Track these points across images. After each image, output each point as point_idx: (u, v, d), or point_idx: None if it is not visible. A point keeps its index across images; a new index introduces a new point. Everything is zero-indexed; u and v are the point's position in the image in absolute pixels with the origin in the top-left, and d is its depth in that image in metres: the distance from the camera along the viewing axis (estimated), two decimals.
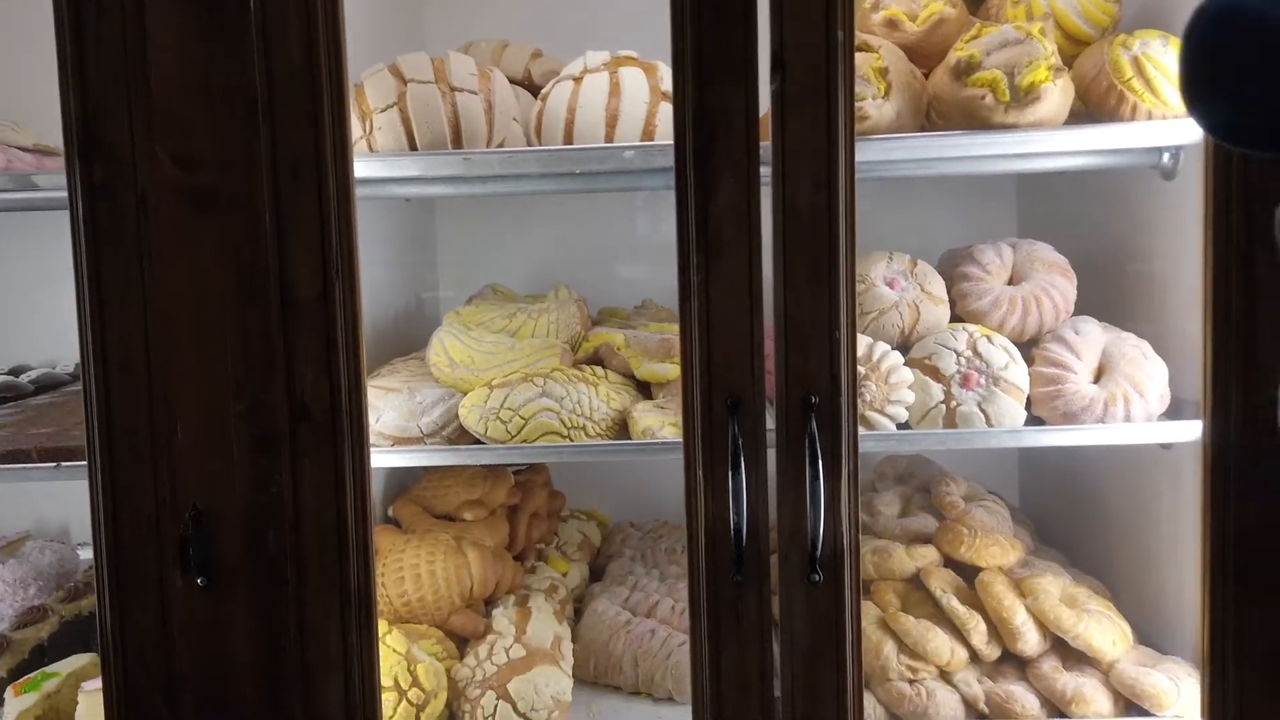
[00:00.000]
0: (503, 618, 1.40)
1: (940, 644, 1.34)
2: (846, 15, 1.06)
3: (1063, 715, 1.29)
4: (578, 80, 1.37)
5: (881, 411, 1.29)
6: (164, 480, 1.11)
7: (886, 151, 1.25)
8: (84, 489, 1.85)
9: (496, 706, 1.29)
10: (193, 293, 1.10)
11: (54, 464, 1.26)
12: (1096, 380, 1.31)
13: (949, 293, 1.42)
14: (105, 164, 1.08)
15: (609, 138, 1.33)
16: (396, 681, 1.27)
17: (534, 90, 1.53)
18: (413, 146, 1.27)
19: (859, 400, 1.16)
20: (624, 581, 1.60)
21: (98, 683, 1.31)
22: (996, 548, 1.44)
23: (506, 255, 2.00)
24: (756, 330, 1.09)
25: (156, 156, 1.09)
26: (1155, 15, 1.43)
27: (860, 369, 1.28)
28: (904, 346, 1.37)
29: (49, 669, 1.40)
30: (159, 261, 1.09)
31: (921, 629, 1.35)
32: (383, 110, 1.27)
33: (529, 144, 1.41)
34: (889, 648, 1.35)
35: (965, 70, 1.23)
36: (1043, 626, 1.34)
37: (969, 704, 1.32)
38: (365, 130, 1.28)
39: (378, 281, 1.71)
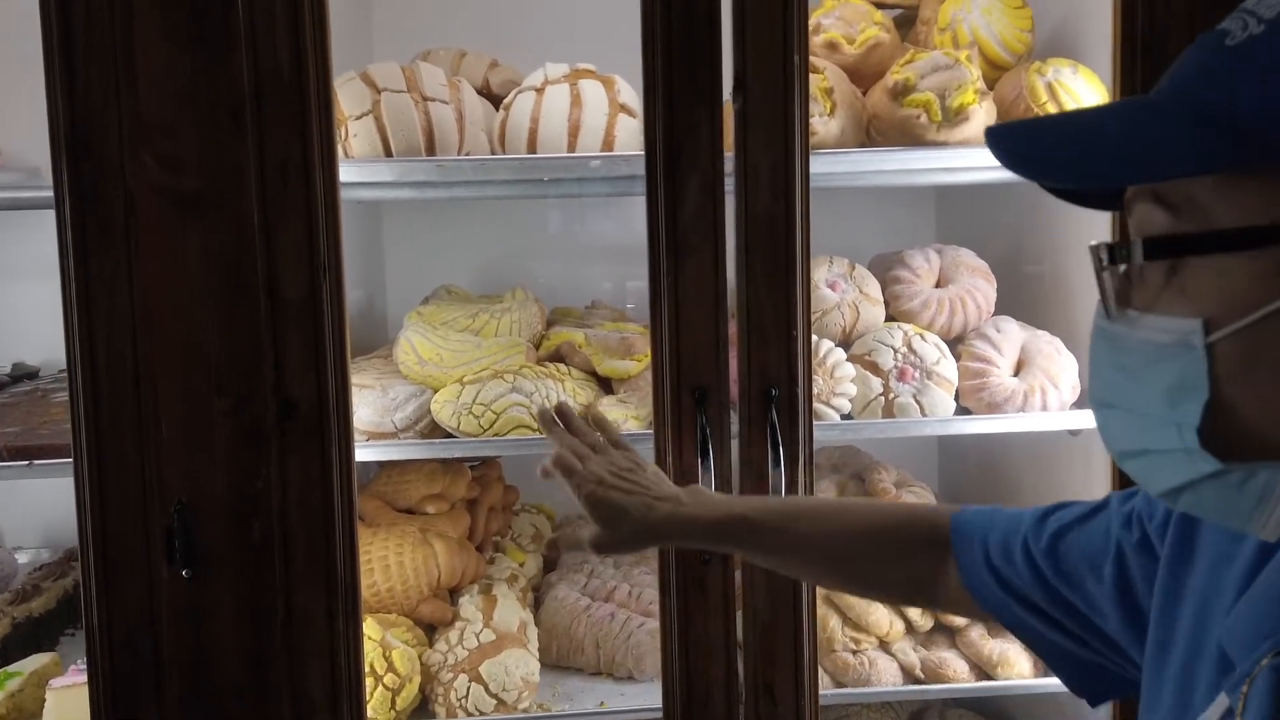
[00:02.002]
0: (470, 605, 1.46)
1: (880, 617, 1.46)
2: (802, 42, 1.17)
3: (989, 677, 1.42)
4: (539, 91, 1.44)
5: (828, 404, 1.40)
6: (150, 474, 1.14)
7: (832, 164, 1.36)
8: (14, 493, 1.83)
9: (469, 689, 1.35)
10: (179, 292, 1.13)
11: (26, 462, 1.26)
12: (1016, 373, 1.45)
13: (882, 294, 1.55)
14: (93, 167, 1.10)
15: (571, 147, 1.40)
16: (373, 667, 1.32)
17: (492, 98, 1.60)
18: (387, 152, 1.32)
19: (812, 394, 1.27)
20: (580, 570, 1.67)
21: (66, 680, 1.33)
22: None
23: (453, 257, 2.04)
24: (721, 328, 1.19)
25: (144, 160, 1.12)
26: (1061, 43, 1.58)
27: None
28: (845, 344, 1.48)
29: (10, 669, 1.39)
30: (146, 262, 1.12)
31: (863, 603, 1.46)
32: (357, 118, 1.32)
33: (492, 151, 1.47)
34: (834, 622, 1.46)
35: (902, 92, 1.36)
36: None
37: (906, 670, 1.44)
38: (341, 137, 1.32)
39: None
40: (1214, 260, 0.47)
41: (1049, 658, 0.75)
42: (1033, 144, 0.54)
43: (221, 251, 1.14)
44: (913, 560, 0.82)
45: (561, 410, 1.02)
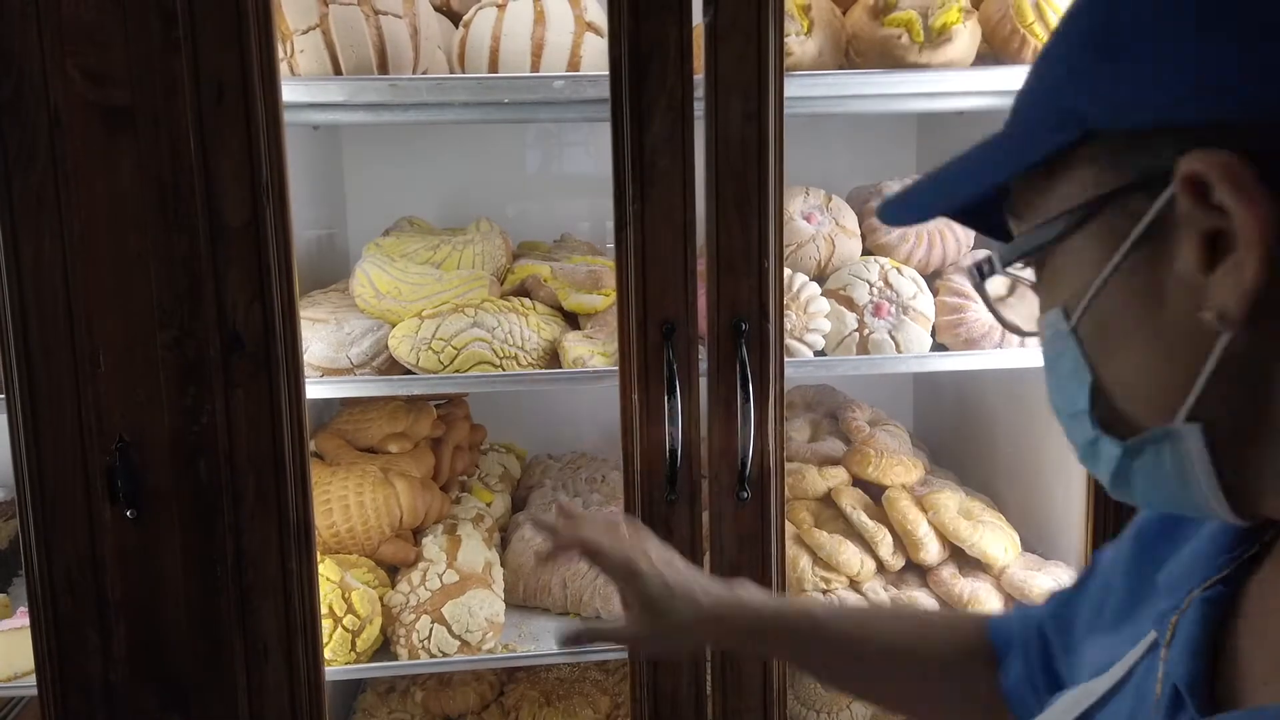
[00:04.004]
0: (433, 545, 1.43)
1: (851, 556, 1.43)
2: None
3: None
4: (501, 7, 1.35)
5: (800, 339, 1.35)
6: (88, 411, 1.08)
7: (808, 87, 1.29)
8: None
9: (432, 630, 1.32)
10: (113, 217, 1.06)
11: None
12: None
13: (860, 226, 1.49)
14: (14, 80, 1.02)
15: (535, 67, 1.33)
16: (331, 609, 1.28)
17: (452, 17, 1.51)
18: (337, 70, 1.24)
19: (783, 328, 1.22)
20: (549, 509, 1.64)
21: (14, 622, 1.28)
22: (900, 467, 1.54)
23: (416, 187, 1.97)
24: (690, 258, 1.13)
25: (68, 72, 1.04)
26: None
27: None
28: (820, 278, 1.43)
29: None
30: (75, 183, 1.05)
31: (834, 543, 1.44)
32: (304, 32, 1.23)
33: (451, 71, 1.39)
34: (804, 561, 1.44)
35: (882, 10, 1.28)
36: (942, 537, 1.46)
37: None
38: (286, 52, 1.24)
39: None
40: (1058, 251, 0.46)
41: None
42: (912, 190, 0.53)
43: (157, 174, 1.06)
44: (965, 681, 0.74)
45: (563, 508, 0.88)
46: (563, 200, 2.02)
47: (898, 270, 1.40)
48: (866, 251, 1.49)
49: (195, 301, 1.09)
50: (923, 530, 1.44)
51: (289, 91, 1.22)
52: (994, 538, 1.43)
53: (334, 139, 1.92)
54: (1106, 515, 1.24)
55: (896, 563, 1.46)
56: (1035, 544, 1.52)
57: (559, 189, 2.02)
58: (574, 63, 1.34)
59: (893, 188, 1.52)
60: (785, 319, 1.34)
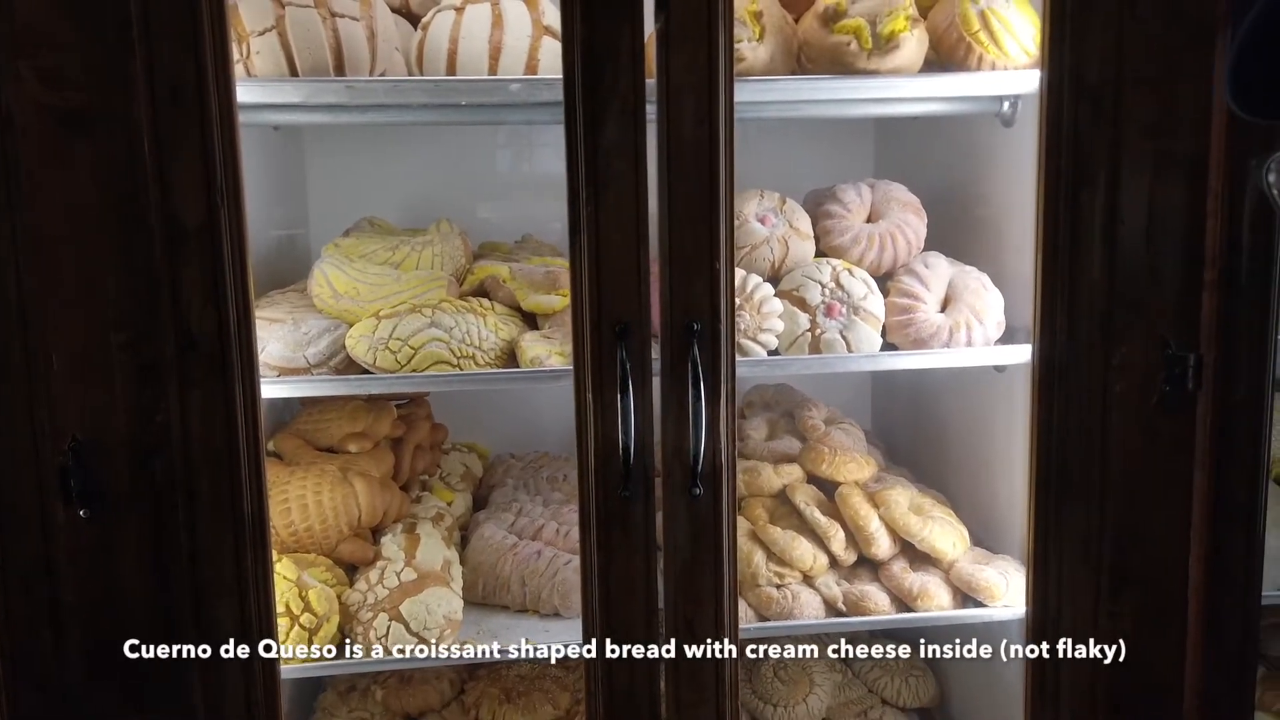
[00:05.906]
0: (392, 544, 1.44)
1: (804, 551, 1.46)
2: None
3: (910, 609, 1.44)
4: (459, 10, 1.37)
5: (754, 339, 1.38)
6: (41, 411, 1.08)
7: (760, 93, 1.32)
8: None
9: (389, 627, 1.33)
10: (67, 219, 1.07)
11: None
12: (943, 309, 1.44)
13: (814, 229, 1.52)
14: None
15: (492, 70, 1.34)
16: (289, 607, 1.29)
17: (412, 19, 1.52)
18: (293, 72, 1.25)
19: (734, 328, 1.24)
20: (509, 508, 1.65)
21: None
22: (854, 464, 1.57)
23: (379, 188, 1.97)
24: (643, 260, 1.15)
25: (21, 74, 1.04)
26: None
27: (735, 299, 1.36)
28: (774, 279, 1.46)
29: None
30: (29, 185, 1.05)
31: (787, 538, 1.47)
32: (260, 34, 1.24)
33: (410, 73, 1.40)
34: (758, 557, 1.46)
35: (832, 18, 1.31)
36: (893, 533, 1.49)
37: (829, 604, 1.45)
38: (242, 54, 1.25)
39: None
40: None
41: None
42: None
43: (112, 176, 1.07)
44: None
45: None
46: (524, 201, 2.03)
47: (849, 272, 1.43)
48: (820, 253, 1.52)
49: (151, 302, 1.09)
50: (874, 526, 1.48)
51: (246, 93, 1.22)
52: (943, 533, 1.47)
53: (296, 140, 1.92)
54: (1048, 510, 1.28)
55: (849, 557, 1.49)
56: (984, 538, 1.56)
57: (520, 190, 2.03)
58: (531, 66, 1.35)
59: (846, 191, 1.55)
60: (739, 319, 1.37)
